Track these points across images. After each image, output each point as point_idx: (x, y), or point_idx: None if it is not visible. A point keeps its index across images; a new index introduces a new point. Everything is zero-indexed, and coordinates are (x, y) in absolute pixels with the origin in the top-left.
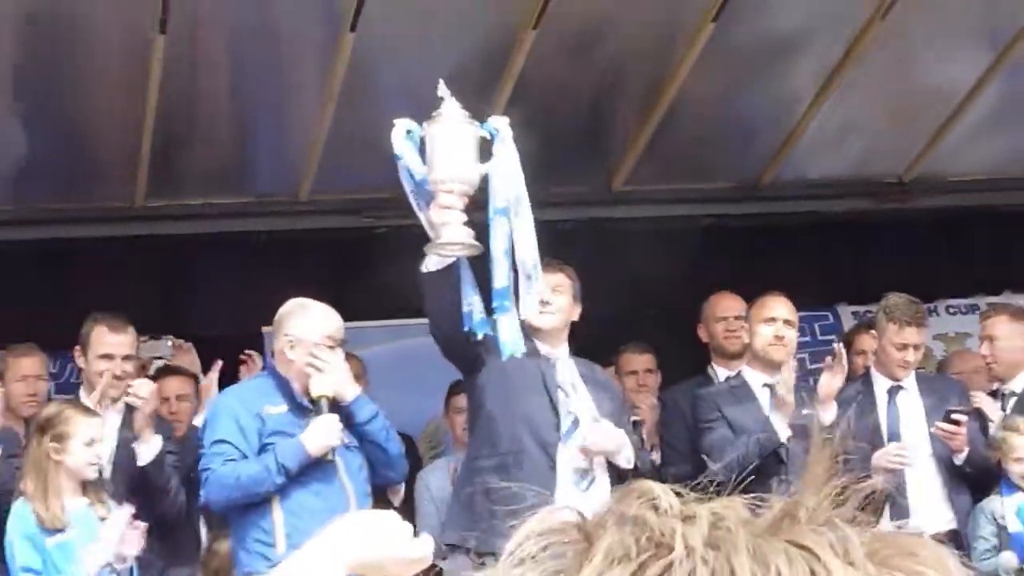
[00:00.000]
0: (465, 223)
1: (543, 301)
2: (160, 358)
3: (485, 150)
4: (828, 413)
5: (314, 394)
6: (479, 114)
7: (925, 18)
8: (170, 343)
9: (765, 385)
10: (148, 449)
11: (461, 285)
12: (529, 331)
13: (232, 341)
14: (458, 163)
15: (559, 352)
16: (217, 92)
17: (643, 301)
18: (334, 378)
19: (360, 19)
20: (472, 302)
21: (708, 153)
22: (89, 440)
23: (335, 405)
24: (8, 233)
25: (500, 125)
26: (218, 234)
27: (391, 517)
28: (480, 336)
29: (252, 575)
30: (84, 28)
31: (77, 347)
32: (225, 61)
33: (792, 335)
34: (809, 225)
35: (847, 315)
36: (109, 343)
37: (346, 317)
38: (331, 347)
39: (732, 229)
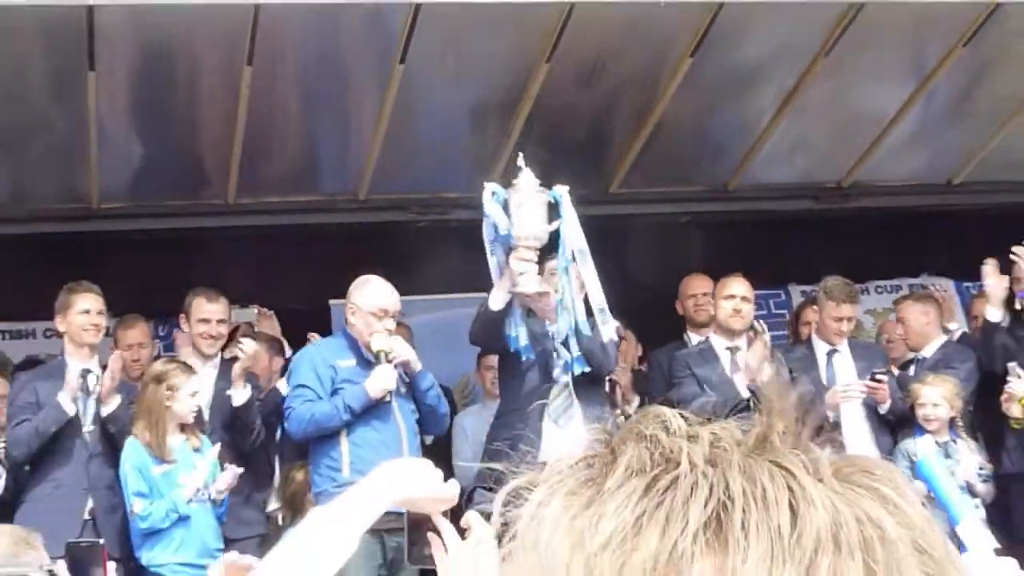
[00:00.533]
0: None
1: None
2: (248, 323)
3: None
4: (763, 374)
5: (374, 348)
6: (501, 143)
7: (861, 55)
8: (256, 310)
9: (727, 348)
10: (241, 395)
11: (512, 315)
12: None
13: (305, 312)
14: (535, 223)
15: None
16: (292, 112)
17: (635, 281)
18: (391, 338)
19: (408, 54)
20: (519, 329)
21: (687, 162)
22: (192, 392)
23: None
24: (126, 224)
25: (562, 192)
26: (293, 225)
27: (427, 464)
28: (521, 353)
29: (322, 493)
30: (189, 61)
31: (181, 315)
32: (299, 87)
33: (748, 308)
34: (767, 221)
35: (796, 293)
36: (206, 310)
37: (401, 291)
38: (380, 317)
39: (706, 224)
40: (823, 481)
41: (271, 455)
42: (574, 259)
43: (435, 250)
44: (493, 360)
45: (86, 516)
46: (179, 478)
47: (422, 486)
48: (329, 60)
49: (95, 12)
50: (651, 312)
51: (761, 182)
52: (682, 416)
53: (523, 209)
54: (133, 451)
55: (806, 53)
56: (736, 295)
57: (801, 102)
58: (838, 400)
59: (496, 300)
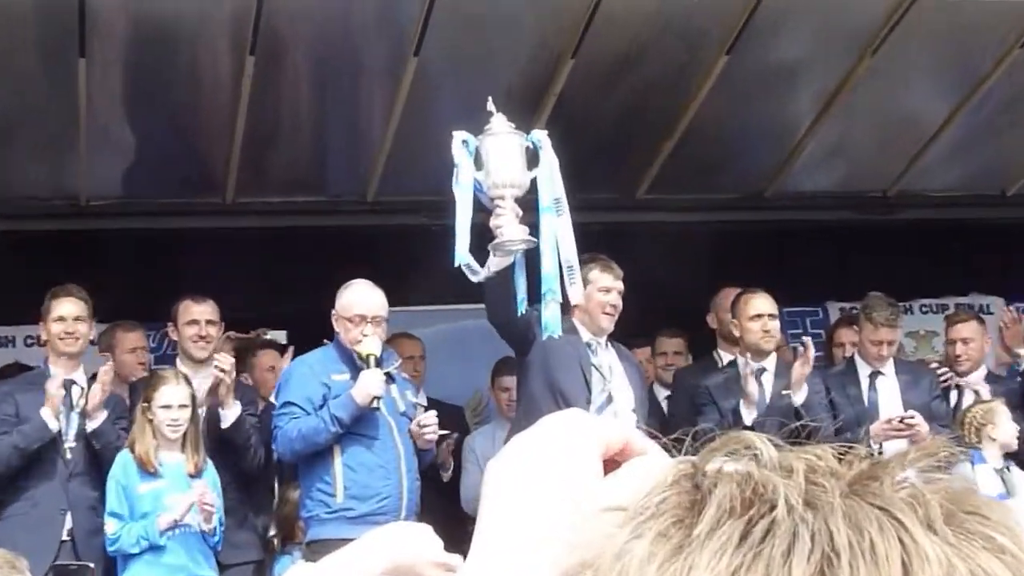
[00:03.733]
0: (520, 221)
1: (613, 305)
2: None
3: (530, 160)
4: (799, 395)
5: (363, 353)
6: (523, 128)
7: (908, 57)
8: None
9: (753, 372)
10: (228, 414)
11: (515, 276)
12: (574, 318)
13: (308, 319)
14: (509, 169)
15: (600, 340)
16: (297, 106)
17: (662, 293)
18: (378, 340)
19: (423, 46)
20: (520, 287)
21: (719, 167)
22: (166, 404)
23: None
24: (116, 223)
25: (541, 136)
26: (296, 228)
27: (426, 530)
28: (521, 312)
29: (313, 519)
30: (187, 49)
31: (170, 323)
32: (305, 79)
33: (776, 325)
34: (804, 231)
35: (835, 310)
36: (194, 311)
37: (406, 302)
38: (357, 323)
39: (738, 234)
40: (936, 531)
41: (271, 476)
42: (555, 210)
43: (448, 257)
44: (509, 380)
45: (64, 537)
46: (167, 499)
47: (419, 553)
48: (338, 51)
49: None
50: (677, 324)
51: (799, 190)
52: (771, 442)
53: (497, 155)
54: (120, 465)
55: (850, 52)
56: (763, 314)
57: (844, 104)
58: (887, 433)
59: (492, 263)
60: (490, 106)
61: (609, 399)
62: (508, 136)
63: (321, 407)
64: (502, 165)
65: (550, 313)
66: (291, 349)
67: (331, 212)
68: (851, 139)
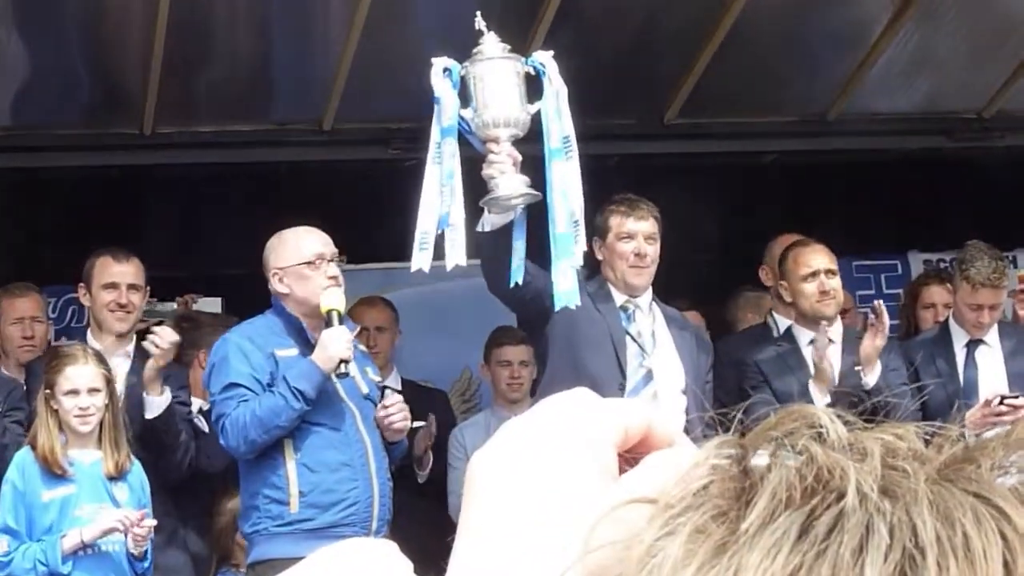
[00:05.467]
0: (518, 170)
1: (641, 254)
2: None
3: (531, 90)
4: (872, 375)
5: (323, 308)
6: (520, 48)
7: None
8: (174, 306)
9: (811, 342)
10: (157, 402)
11: (515, 237)
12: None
13: (248, 280)
14: (505, 104)
15: (640, 300)
16: (233, 9)
17: (698, 244)
18: (341, 292)
19: None
20: (519, 251)
21: (770, 83)
22: (73, 388)
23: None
24: (3, 160)
25: (545, 60)
26: (233, 165)
27: (390, 549)
28: (516, 282)
29: (259, 534)
30: None
31: (81, 285)
32: None
33: (836, 283)
34: (879, 164)
35: (918, 263)
36: (113, 272)
37: (372, 257)
38: (316, 264)
39: (795, 167)
40: None
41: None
42: (564, 152)
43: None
44: (521, 353)
45: None
46: (77, 510)
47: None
48: None
49: None
50: (720, 284)
51: (872, 111)
52: (841, 418)
53: (489, 86)
54: (17, 467)
55: None
56: (819, 270)
57: (927, 3)
58: (987, 419)
59: (487, 220)
60: (479, 23)
61: (648, 376)
62: (502, 62)
63: (270, 387)
64: (495, 99)
65: (566, 281)
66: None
67: (277, 144)
68: (937, 47)
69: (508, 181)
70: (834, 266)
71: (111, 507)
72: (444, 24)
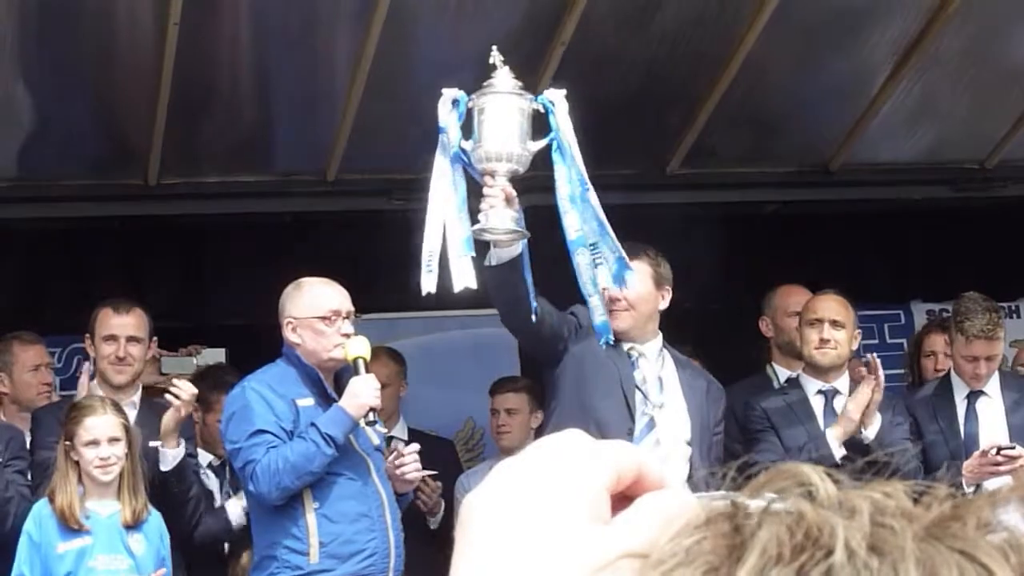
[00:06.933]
0: (512, 206)
1: (612, 298)
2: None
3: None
4: (871, 427)
5: (350, 356)
6: (530, 86)
7: None
8: (195, 361)
9: (819, 392)
10: (172, 455)
11: (523, 270)
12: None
13: (253, 330)
14: (506, 138)
15: (647, 346)
16: (238, 61)
17: (700, 295)
18: (366, 340)
19: None
20: (527, 283)
21: (772, 134)
22: (93, 439)
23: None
24: (8, 210)
25: (556, 98)
26: (236, 215)
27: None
28: (535, 314)
29: None
30: None
31: (86, 337)
32: (248, 26)
33: (840, 336)
34: (882, 214)
35: (920, 313)
36: (113, 324)
37: (376, 307)
38: (332, 320)
39: (797, 217)
40: None
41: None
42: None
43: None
44: (512, 401)
45: None
46: (92, 561)
47: None
48: None
49: None
50: (722, 335)
51: (874, 161)
52: (831, 477)
53: (492, 119)
54: (34, 518)
55: None
56: (823, 319)
57: (930, 53)
58: (984, 470)
59: (493, 255)
60: (494, 57)
61: (651, 424)
62: (508, 96)
63: (291, 435)
64: (496, 132)
65: (598, 313)
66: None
67: (281, 195)
68: (939, 97)
69: (496, 215)
70: (841, 318)
71: (126, 558)
72: (449, 71)
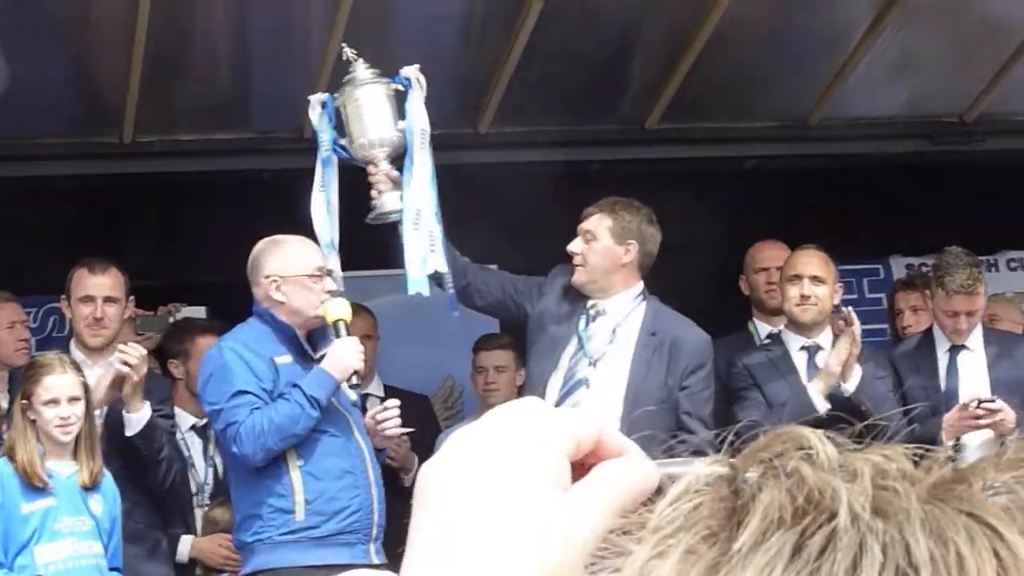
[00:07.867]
0: (398, 188)
1: (572, 252)
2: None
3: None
4: (851, 380)
5: (330, 318)
6: (502, 54)
7: None
8: (171, 320)
9: (802, 348)
10: (136, 419)
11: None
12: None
13: (231, 287)
14: (378, 125)
15: (611, 300)
16: (213, 18)
17: (680, 251)
18: (346, 302)
19: None
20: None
21: (751, 89)
22: (52, 398)
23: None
24: None
25: (411, 74)
26: (214, 173)
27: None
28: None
29: (263, 542)
30: None
31: (63, 298)
32: None
33: (821, 291)
34: (860, 168)
35: (900, 268)
36: (89, 285)
37: (352, 264)
38: (319, 278)
39: (776, 172)
40: None
41: (186, 489)
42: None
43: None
44: (501, 358)
45: None
46: (56, 523)
47: None
48: None
49: None
50: (702, 291)
51: (853, 116)
52: (831, 440)
53: (362, 111)
54: None
55: None
56: (803, 275)
57: (909, 7)
58: (964, 423)
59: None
60: (347, 53)
61: (581, 383)
62: (370, 87)
63: (271, 395)
64: (368, 123)
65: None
66: None
67: (258, 152)
68: (919, 50)
69: (387, 199)
70: (822, 274)
71: (88, 520)
72: (419, 33)
